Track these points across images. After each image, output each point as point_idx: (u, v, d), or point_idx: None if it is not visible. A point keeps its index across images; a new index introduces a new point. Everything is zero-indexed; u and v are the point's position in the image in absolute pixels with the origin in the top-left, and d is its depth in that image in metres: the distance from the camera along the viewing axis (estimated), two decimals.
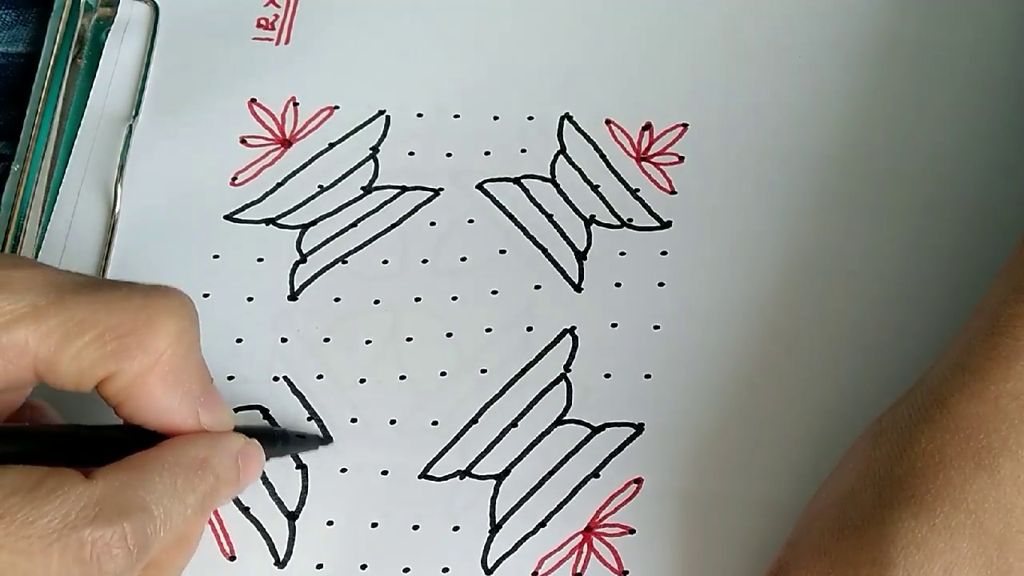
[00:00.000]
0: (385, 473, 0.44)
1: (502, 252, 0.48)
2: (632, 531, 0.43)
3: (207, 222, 0.48)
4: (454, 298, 0.47)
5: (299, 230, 0.48)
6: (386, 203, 0.49)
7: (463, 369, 0.46)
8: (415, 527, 0.43)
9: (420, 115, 0.50)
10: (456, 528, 0.43)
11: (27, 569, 0.33)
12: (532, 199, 0.49)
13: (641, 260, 0.47)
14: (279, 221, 0.48)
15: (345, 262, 0.48)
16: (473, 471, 0.44)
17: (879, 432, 0.39)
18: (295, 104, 0.51)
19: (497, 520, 0.43)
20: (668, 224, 0.48)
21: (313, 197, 0.49)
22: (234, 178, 0.49)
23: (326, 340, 0.46)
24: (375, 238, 0.48)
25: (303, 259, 0.48)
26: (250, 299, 0.47)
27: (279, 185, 0.49)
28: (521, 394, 0.45)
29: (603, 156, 0.49)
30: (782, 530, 0.40)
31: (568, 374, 0.45)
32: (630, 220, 0.48)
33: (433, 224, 0.48)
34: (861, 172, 0.49)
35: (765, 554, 0.41)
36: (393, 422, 0.45)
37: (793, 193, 0.48)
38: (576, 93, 0.51)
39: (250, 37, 0.52)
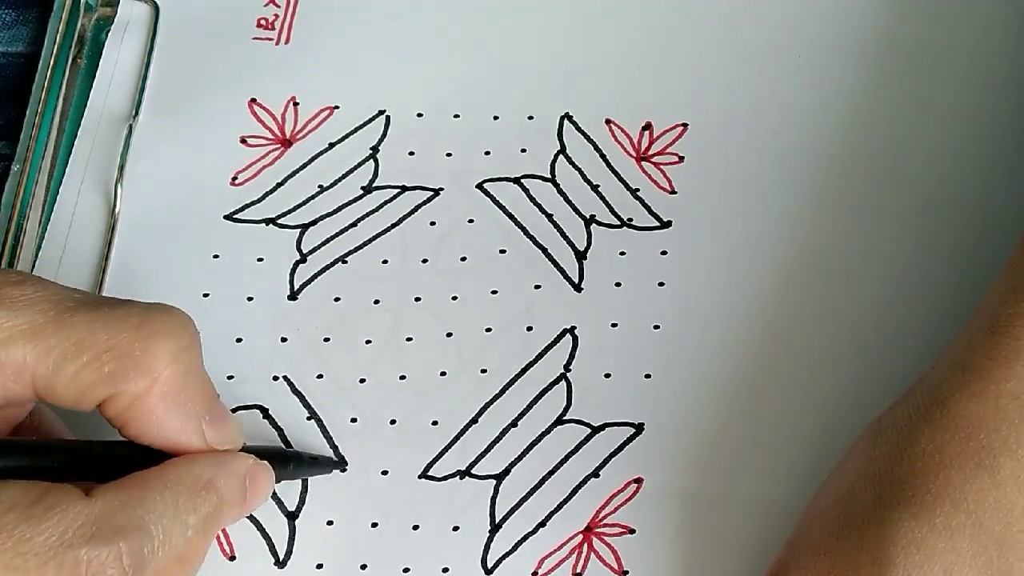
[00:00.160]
0: (385, 473, 0.44)
1: (502, 252, 0.48)
2: (632, 531, 0.43)
3: (207, 222, 0.48)
4: (454, 298, 0.47)
5: (299, 230, 0.48)
6: (386, 203, 0.49)
7: (463, 369, 0.46)
8: (415, 527, 0.43)
9: (420, 115, 0.50)
10: (456, 528, 0.43)
11: None
12: (532, 199, 0.49)
13: (641, 260, 0.47)
14: (279, 221, 0.48)
15: (345, 262, 0.48)
16: (473, 471, 0.44)
17: (879, 432, 0.39)
18: (295, 104, 0.51)
19: (497, 520, 0.43)
20: (668, 224, 0.48)
21: (313, 197, 0.49)
22: (234, 178, 0.49)
23: (326, 340, 0.46)
24: (375, 238, 0.48)
25: (303, 259, 0.48)
26: (250, 299, 0.47)
27: (279, 185, 0.49)
28: (521, 394, 0.45)
29: (603, 156, 0.49)
30: (782, 530, 0.40)
31: (568, 374, 0.45)
32: (630, 220, 0.48)
33: (433, 224, 0.48)
34: (861, 172, 0.49)
35: (765, 554, 0.41)
36: (393, 422, 0.45)
37: (793, 193, 0.48)
38: (576, 93, 0.51)
39: (250, 37, 0.52)
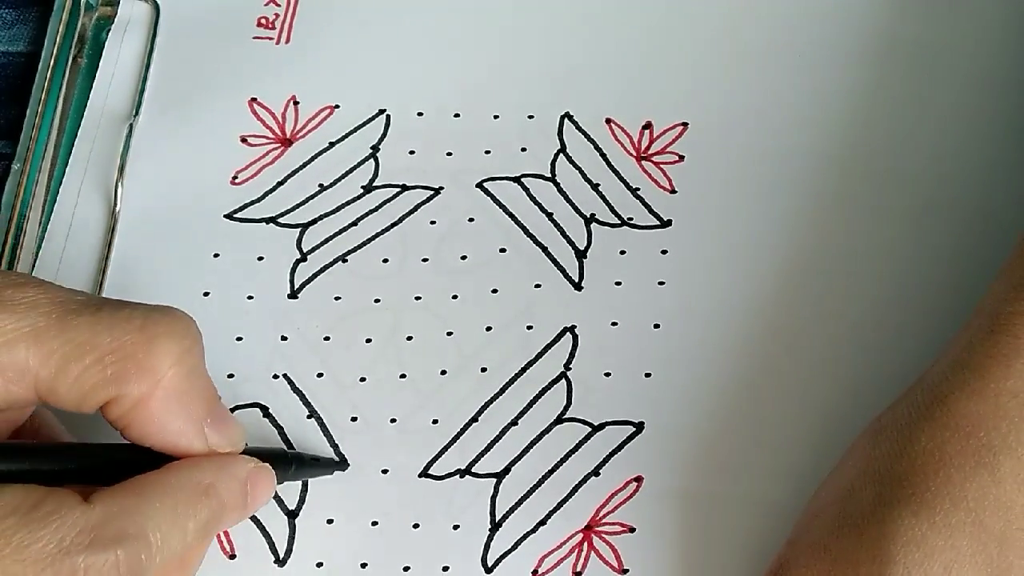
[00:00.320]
0: (385, 472, 0.44)
1: (502, 251, 0.48)
2: (632, 529, 0.43)
3: (207, 221, 0.48)
4: (454, 297, 0.47)
5: (299, 229, 0.48)
6: (386, 202, 0.49)
7: (463, 368, 0.46)
8: (415, 526, 0.43)
9: (420, 114, 0.50)
10: (456, 527, 0.43)
11: None
12: (532, 198, 0.49)
13: (641, 259, 0.47)
14: (279, 220, 0.48)
15: (345, 261, 0.48)
16: (473, 470, 0.44)
17: (879, 430, 0.39)
18: (295, 103, 0.51)
19: (497, 519, 0.43)
20: (668, 223, 0.48)
21: (313, 196, 0.49)
22: (234, 177, 0.49)
23: (326, 339, 0.46)
24: (375, 237, 0.48)
25: (303, 258, 0.48)
26: (250, 297, 0.47)
27: (279, 184, 0.49)
28: (521, 393, 0.45)
29: (603, 155, 0.49)
30: (782, 530, 0.40)
31: (568, 373, 0.45)
32: (630, 219, 0.48)
33: (433, 223, 0.48)
34: (861, 172, 0.49)
35: (765, 553, 0.41)
36: (393, 421, 0.45)
37: (793, 193, 0.48)
38: (576, 92, 0.51)
39: (250, 36, 0.52)
